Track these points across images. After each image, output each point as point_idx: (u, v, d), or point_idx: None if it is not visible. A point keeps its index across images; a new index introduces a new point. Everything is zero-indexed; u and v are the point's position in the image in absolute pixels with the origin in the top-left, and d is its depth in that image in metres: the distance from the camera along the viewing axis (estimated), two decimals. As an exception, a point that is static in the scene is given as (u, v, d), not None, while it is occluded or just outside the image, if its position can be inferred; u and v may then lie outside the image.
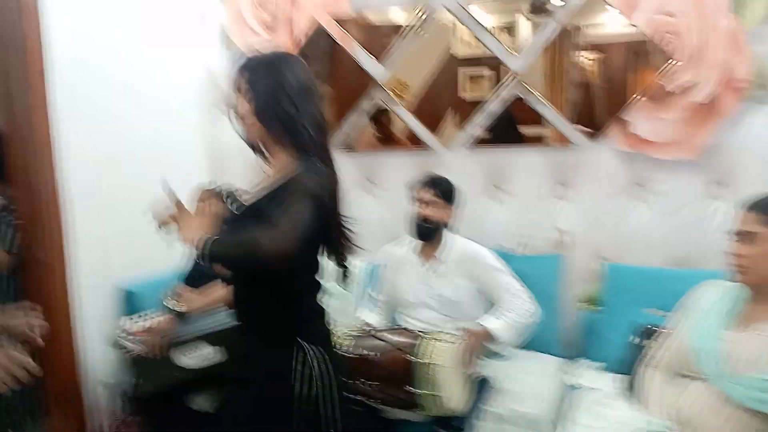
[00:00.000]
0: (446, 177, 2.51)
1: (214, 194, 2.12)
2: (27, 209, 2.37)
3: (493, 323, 2.28)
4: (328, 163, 1.56)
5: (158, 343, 2.19)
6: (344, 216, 1.64)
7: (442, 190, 2.45)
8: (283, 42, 3.12)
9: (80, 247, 2.51)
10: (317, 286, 1.64)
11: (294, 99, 1.53)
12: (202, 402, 2.37)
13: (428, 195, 2.44)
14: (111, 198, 2.64)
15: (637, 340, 2.15)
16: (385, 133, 3.10)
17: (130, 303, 2.64)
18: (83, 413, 2.54)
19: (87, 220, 2.53)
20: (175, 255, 2.71)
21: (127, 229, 2.71)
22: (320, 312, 1.65)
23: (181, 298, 2.30)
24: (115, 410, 2.59)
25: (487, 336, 2.26)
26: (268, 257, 1.36)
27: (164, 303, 2.29)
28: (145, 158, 2.84)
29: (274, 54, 1.61)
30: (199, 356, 2.22)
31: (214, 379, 2.22)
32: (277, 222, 1.40)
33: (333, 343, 1.68)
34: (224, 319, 2.20)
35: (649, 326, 2.16)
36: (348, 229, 1.65)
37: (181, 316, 2.25)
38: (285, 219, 1.41)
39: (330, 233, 1.60)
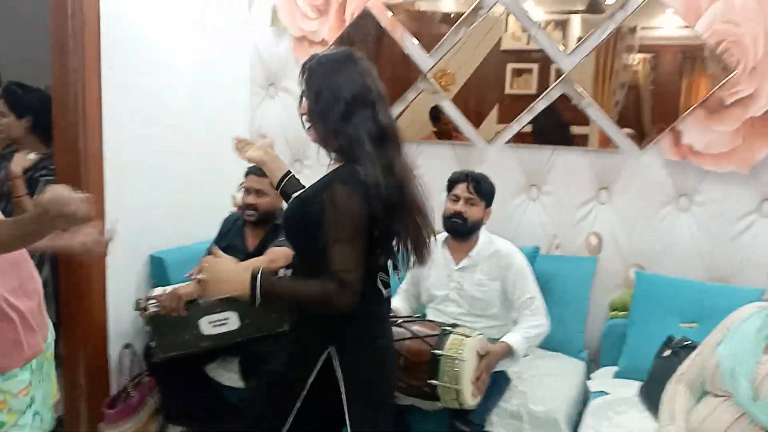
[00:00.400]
0: (486, 175, 2.46)
1: None
2: (70, 171, 2.43)
3: (515, 341, 2.24)
4: (381, 169, 1.50)
5: (175, 304, 2.23)
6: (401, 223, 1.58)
7: (482, 188, 2.40)
8: (331, 26, 3.14)
9: (115, 214, 2.56)
10: (368, 293, 1.59)
11: (344, 103, 1.51)
12: (216, 369, 2.42)
13: (467, 192, 2.39)
14: (148, 168, 2.70)
15: (666, 352, 2.09)
16: (440, 126, 3.06)
17: (161, 271, 2.70)
18: (107, 374, 2.62)
19: (124, 188, 2.59)
20: (207, 227, 2.80)
21: (161, 200, 2.78)
22: (367, 319, 1.61)
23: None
24: (134, 371, 2.66)
25: (508, 351, 2.23)
26: (339, 309, 1.45)
27: (192, 275, 2.32)
28: (185, 133, 2.89)
29: (336, 54, 1.60)
30: (219, 322, 2.25)
31: (230, 347, 2.25)
32: (335, 268, 1.44)
33: (378, 355, 1.64)
34: None
35: (680, 339, 2.10)
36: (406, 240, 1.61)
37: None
38: (341, 259, 1.44)
39: (382, 239, 1.57)
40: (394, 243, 1.62)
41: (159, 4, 2.74)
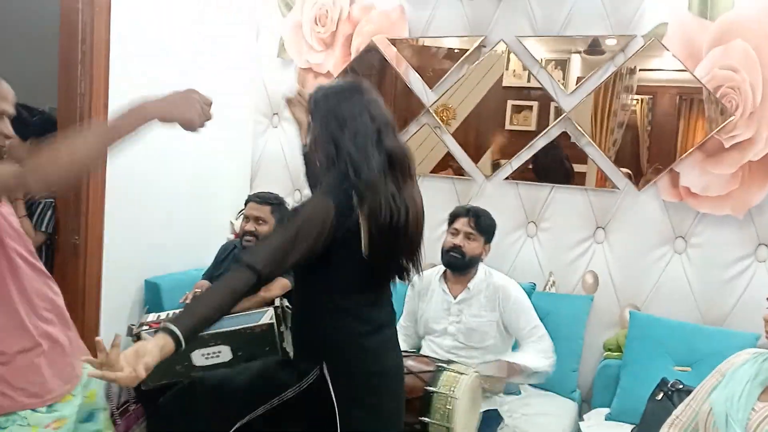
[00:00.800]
0: (487, 211, 2.47)
1: None
2: (71, 194, 2.44)
3: (521, 359, 2.23)
4: (384, 195, 1.50)
5: None
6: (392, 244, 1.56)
7: (482, 223, 2.42)
8: (337, 58, 3.19)
9: (113, 238, 2.57)
10: (354, 310, 1.58)
11: (341, 134, 1.53)
12: None
13: (467, 227, 2.40)
14: (147, 193, 2.71)
15: (659, 395, 2.08)
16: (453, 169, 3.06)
17: (156, 296, 2.70)
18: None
19: (123, 212, 2.60)
20: (203, 253, 2.80)
21: (158, 225, 2.78)
22: (352, 337, 1.58)
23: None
24: (122, 398, 2.62)
25: (516, 370, 2.21)
26: (245, 293, 1.41)
27: (186, 300, 2.31)
28: (186, 160, 2.92)
29: (341, 85, 1.62)
30: (212, 355, 2.23)
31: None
32: (250, 252, 1.46)
33: (363, 375, 1.59)
34: (246, 321, 2.21)
35: (673, 382, 2.08)
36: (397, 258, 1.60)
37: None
38: (267, 241, 1.45)
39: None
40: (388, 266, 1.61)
41: (168, 34, 2.79)
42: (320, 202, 1.50)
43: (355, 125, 1.53)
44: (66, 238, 2.46)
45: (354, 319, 1.59)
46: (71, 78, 2.44)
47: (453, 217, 2.46)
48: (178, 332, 1.32)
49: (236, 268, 1.43)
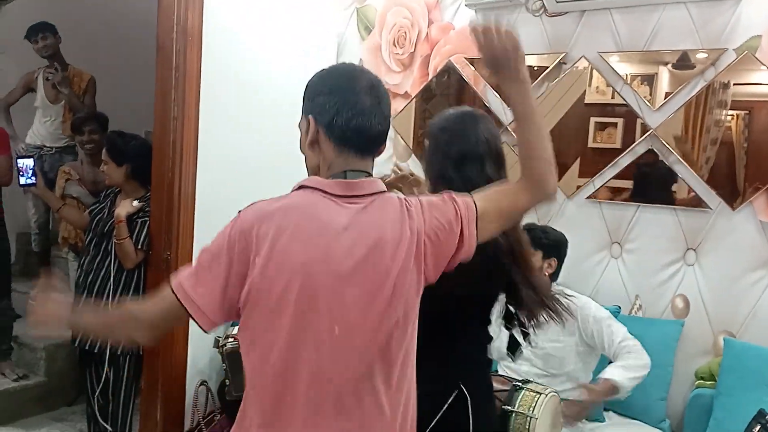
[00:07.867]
0: (552, 228, 2.42)
1: None
2: (164, 212, 2.58)
3: (617, 375, 2.14)
4: None
5: None
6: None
7: (543, 241, 2.35)
8: (415, 79, 3.23)
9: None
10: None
11: (451, 165, 1.57)
12: None
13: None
14: (233, 211, 2.80)
15: (756, 428, 1.95)
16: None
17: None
18: (183, 409, 2.69)
19: (211, 230, 2.70)
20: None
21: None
22: (483, 363, 1.70)
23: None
24: (208, 409, 2.71)
25: (612, 390, 2.12)
26: None
27: None
28: (274, 181, 2.99)
29: (453, 116, 1.65)
30: None
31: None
32: None
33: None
34: None
35: (772, 414, 1.95)
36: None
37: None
38: None
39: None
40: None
41: (253, 61, 2.92)
42: None
43: (459, 160, 1.57)
44: (158, 254, 2.60)
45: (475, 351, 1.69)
46: (166, 103, 2.60)
47: None
48: None
49: None
